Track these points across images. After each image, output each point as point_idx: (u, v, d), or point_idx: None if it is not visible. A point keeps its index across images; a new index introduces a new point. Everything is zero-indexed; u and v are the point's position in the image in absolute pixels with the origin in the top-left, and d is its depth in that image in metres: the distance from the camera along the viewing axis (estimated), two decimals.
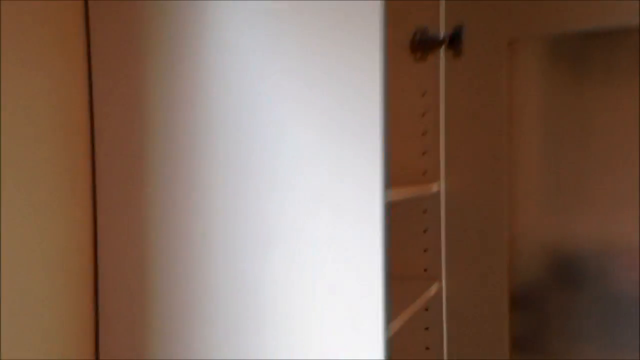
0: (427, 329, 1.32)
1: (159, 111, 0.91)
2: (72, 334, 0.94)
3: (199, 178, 0.89)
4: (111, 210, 0.94)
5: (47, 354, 0.88)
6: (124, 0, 0.92)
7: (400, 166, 1.34)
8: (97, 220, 0.95)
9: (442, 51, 1.30)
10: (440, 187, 1.31)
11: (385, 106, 0.85)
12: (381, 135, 0.81)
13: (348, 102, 0.83)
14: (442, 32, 1.30)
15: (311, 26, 0.84)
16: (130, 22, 0.92)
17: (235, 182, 0.88)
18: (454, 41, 1.28)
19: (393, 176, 1.34)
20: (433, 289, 1.28)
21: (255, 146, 0.87)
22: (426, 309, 1.32)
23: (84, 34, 0.95)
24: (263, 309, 0.87)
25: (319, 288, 0.84)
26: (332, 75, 0.83)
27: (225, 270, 0.89)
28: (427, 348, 1.32)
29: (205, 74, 0.89)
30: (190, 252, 0.90)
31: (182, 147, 0.90)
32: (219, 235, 0.89)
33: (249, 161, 0.87)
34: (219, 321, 0.89)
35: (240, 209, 0.87)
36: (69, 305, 0.93)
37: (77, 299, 0.94)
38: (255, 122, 0.87)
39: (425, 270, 1.32)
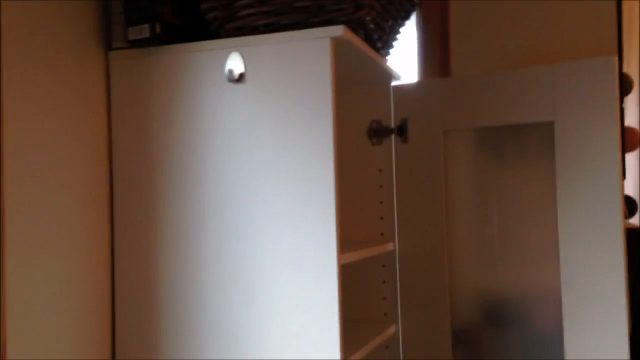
0: None
1: (167, 153, 1.22)
2: (91, 336, 1.19)
3: (200, 228, 1.19)
4: (126, 233, 1.23)
5: (69, 354, 1.13)
6: (139, 60, 1.24)
7: (363, 229, 1.64)
8: (114, 242, 1.24)
9: (393, 138, 1.63)
10: (395, 246, 1.62)
11: (336, 189, 1.16)
12: (334, 212, 1.12)
13: (309, 183, 1.14)
14: (392, 123, 1.63)
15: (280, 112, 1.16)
16: (143, 79, 1.24)
17: (225, 240, 1.18)
18: (401, 130, 1.61)
19: (357, 237, 1.64)
20: (391, 330, 1.57)
21: (241, 211, 1.17)
22: (387, 347, 1.60)
23: (105, 86, 1.25)
24: (246, 344, 1.15)
25: (288, 329, 1.13)
26: (295, 158, 1.15)
27: (217, 310, 1.17)
28: None
29: (201, 129, 1.20)
30: (191, 279, 1.19)
31: (188, 197, 1.20)
32: (212, 282, 1.18)
33: (236, 225, 1.17)
34: (212, 338, 1.17)
35: (229, 265, 1.17)
36: (89, 312, 1.20)
37: (96, 308, 1.22)
38: (240, 191, 1.17)
39: (385, 314, 1.61)
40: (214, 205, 1.19)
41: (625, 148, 1.77)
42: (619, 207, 1.33)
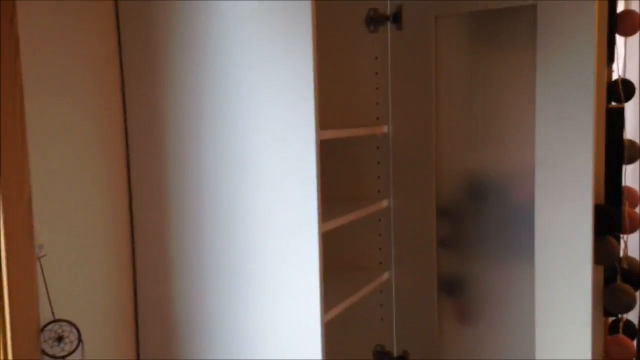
0: (380, 234, 1.77)
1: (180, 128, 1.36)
2: (117, 337, 1.39)
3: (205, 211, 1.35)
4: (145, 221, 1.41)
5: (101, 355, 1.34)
6: (151, 35, 1.36)
7: (360, 114, 1.76)
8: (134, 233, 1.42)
9: (388, 25, 1.70)
10: (389, 129, 1.74)
11: (315, 76, 1.27)
12: (312, 93, 1.25)
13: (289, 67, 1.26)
14: (388, 11, 1.70)
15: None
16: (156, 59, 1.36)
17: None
18: (396, 17, 1.68)
19: (354, 121, 1.77)
20: (384, 203, 1.73)
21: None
22: (379, 220, 1.77)
23: (119, 68, 1.39)
24: (249, 309, 1.34)
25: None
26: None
27: (220, 293, 1.35)
28: (380, 248, 1.77)
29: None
30: (202, 270, 1.37)
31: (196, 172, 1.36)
32: (217, 266, 1.35)
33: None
34: (217, 324, 1.36)
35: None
36: (114, 314, 1.39)
37: (120, 310, 1.40)
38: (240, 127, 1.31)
39: (378, 191, 1.77)
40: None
41: (623, 32, 1.80)
42: (592, 89, 1.41)
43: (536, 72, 1.48)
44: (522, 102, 1.55)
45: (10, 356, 1.14)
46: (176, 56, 1.36)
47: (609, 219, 1.50)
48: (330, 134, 1.43)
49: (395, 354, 1.77)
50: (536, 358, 1.53)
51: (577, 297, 1.47)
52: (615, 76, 1.80)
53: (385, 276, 1.73)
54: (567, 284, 1.48)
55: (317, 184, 1.28)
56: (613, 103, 1.75)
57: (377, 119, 1.75)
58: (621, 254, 1.68)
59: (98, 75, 1.34)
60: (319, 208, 1.29)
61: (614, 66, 1.76)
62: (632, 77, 2.35)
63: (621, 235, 1.66)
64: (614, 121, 1.58)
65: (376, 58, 1.73)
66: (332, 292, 1.55)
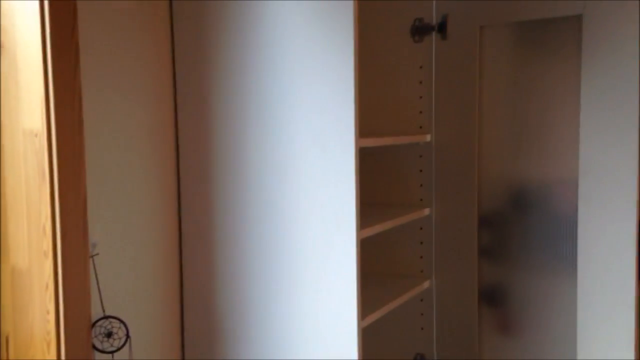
0: (421, 243, 1.78)
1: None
2: (164, 334, 1.45)
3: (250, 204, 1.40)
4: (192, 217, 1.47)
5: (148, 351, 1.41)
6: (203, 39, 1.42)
7: (403, 122, 1.78)
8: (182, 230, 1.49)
9: (433, 35, 1.72)
10: (432, 137, 1.75)
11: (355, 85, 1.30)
12: (353, 101, 1.28)
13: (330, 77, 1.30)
14: (434, 21, 1.71)
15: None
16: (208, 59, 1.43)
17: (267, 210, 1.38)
18: (442, 27, 1.70)
19: (397, 129, 1.79)
20: (426, 211, 1.74)
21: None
22: (420, 228, 1.78)
23: (171, 72, 1.46)
24: (289, 311, 1.38)
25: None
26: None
27: (263, 283, 1.40)
28: (421, 257, 1.78)
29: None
30: (245, 273, 1.42)
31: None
32: (258, 259, 1.40)
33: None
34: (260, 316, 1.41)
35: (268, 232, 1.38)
36: (162, 312, 1.45)
37: (167, 308, 1.46)
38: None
39: (421, 200, 1.78)
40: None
41: None
42: (637, 99, 1.39)
43: (581, 81, 1.47)
44: (566, 112, 1.53)
45: (63, 350, 1.21)
46: (226, 59, 1.42)
47: None
48: (371, 141, 1.46)
49: None
50: None
51: (620, 311, 1.44)
52: None
53: (426, 284, 1.74)
54: (610, 298, 1.45)
55: (356, 191, 1.31)
56: None
57: (421, 127, 1.76)
58: None
59: (152, 77, 1.41)
60: (357, 214, 1.32)
61: None
62: None
63: None
64: None
65: (421, 67, 1.75)
66: (371, 299, 1.58)
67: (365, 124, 1.81)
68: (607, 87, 1.43)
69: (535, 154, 1.60)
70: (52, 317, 1.18)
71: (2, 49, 1.20)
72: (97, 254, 1.26)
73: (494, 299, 1.69)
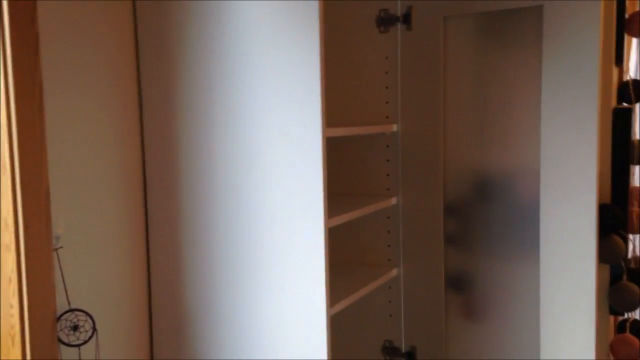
0: (389, 231, 1.80)
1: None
2: (131, 326, 1.44)
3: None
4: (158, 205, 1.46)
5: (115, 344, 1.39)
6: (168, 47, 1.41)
7: (370, 112, 1.80)
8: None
9: (398, 26, 1.73)
10: (398, 127, 1.77)
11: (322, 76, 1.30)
12: (319, 92, 1.29)
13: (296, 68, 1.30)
14: (398, 12, 1.73)
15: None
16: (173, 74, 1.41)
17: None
18: (407, 18, 1.71)
19: (364, 119, 1.81)
20: (393, 200, 1.76)
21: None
22: (388, 217, 1.80)
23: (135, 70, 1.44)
24: (258, 300, 1.38)
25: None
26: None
27: (229, 281, 1.40)
28: (389, 245, 1.80)
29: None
30: (212, 263, 1.42)
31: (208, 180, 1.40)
32: (224, 254, 1.39)
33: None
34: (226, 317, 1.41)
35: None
36: (129, 304, 1.43)
37: (134, 300, 1.45)
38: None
39: (388, 189, 1.80)
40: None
41: (635, 33, 1.80)
42: (595, 88, 1.42)
43: (542, 71, 1.50)
44: (528, 101, 1.57)
45: (28, 344, 1.20)
46: (190, 55, 1.41)
47: (614, 218, 1.51)
48: (337, 131, 1.47)
49: (403, 350, 1.80)
50: (541, 355, 1.55)
51: (581, 295, 1.48)
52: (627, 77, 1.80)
53: (394, 272, 1.76)
54: (572, 282, 1.49)
55: (324, 180, 1.32)
56: (624, 104, 1.75)
57: (387, 117, 1.78)
58: (630, 253, 1.69)
59: (115, 72, 1.39)
60: (325, 203, 1.33)
61: (631, 67, 1.76)
62: None
63: (630, 236, 1.67)
64: (621, 121, 1.59)
65: (386, 58, 1.76)
66: (339, 287, 1.59)
67: (332, 115, 1.82)
68: (567, 76, 1.46)
69: (498, 144, 1.63)
70: (16, 311, 1.17)
71: None
72: (61, 247, 1.25)
73: (460, 286, 1.72)
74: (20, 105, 1.15)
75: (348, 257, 1.86)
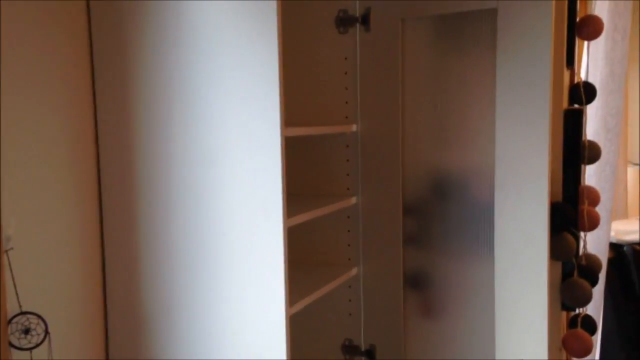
0: (349, 231, 1.82)
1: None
2: (85, 329, 1.41)
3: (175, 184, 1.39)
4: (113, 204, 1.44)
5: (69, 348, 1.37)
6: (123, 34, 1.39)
7: (329, 112, 1.80)
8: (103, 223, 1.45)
9: (357, 27, 1.74)
10: (358, 127, 1.78)
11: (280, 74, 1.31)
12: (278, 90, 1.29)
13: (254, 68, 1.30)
14: (357, 13, 1.74)
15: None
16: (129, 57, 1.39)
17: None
18: (365, 19, 1.73)
19: (324, 119, 1.81)
20: (352, 200, 1.77)
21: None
22: (348, 217, 1.81)
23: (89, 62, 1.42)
24: (216, 300, 1.37)
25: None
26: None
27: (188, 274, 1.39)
28: (349, 245, 1.82)
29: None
30: (170, 263, 1.41)
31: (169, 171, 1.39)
32: (183, 241, 1.38)
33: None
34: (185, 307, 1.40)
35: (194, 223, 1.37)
36: (82, 307, 1.40)
37: (88, 303, 1.42)
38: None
39: (347, 189, 1.81)
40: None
41: (586, 36, 1.85)
42: (547, 90, 1.46)
43: (496, 73, 1.53)
44: (483, 103, 1.60)
45: None
46: (146, 53, 1.39)
47: (565, 216, 1.55)
48: (297, 131, 1.47)
49: (362, 348, 1.81)
50: (496, 350, 1.58)
51: (534, 291, 1.52)
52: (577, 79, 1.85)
53: (353, 272, 1.78)
54: (525, 279, 1.53)
55: (282, 179, 1.32)
56: (576, 105, 1.81)
57: (346, 117, 1.79)
58: (581, 250, 1.74)
59: (69, 72, 1.37)
60: (283, 203, 1.33)
61: (582, 69, 1.82)
62: (594, 80, 2.42)
63: (581, 233, 1.72)
64: (572, 122, 1.64)
65: (346, 58, 1.77)
66: (299, 287, 1.59)
67: (292, 115, 1.82)
68: (520, 78, 1.50)
69: (454, 144, 1.66)
70: None
71: None
72: (12, 249, 1.21)
73: (418, 284, 1.75)
74: None
75: (308, 257, 1.87)
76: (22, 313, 1.22)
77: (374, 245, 1.77)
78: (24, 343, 1.22)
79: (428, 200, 1.71)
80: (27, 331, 1.23)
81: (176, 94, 1.38)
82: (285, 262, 1.34)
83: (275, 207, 1.33)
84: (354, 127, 1.76)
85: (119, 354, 1.48)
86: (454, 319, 1.69)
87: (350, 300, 1.83)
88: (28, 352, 1.23)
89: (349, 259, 1.82)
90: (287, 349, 1.35)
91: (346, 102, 1.79)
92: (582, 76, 1.84)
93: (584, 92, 1.78)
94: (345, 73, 1.78)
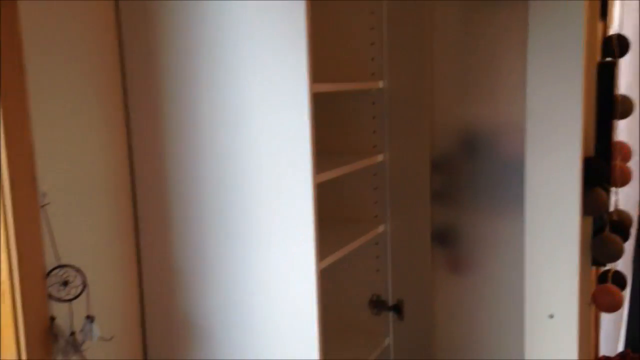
0: (375, 188, 1.82)
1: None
2: (121, 280, 1.44)
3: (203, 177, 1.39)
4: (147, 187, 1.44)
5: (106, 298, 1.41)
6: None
7: (355, 69, 1.79)
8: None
9: None
10: (384, 84, 1.76)
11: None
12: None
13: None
14: None
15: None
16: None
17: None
18: None
19: (350, 76, 1.80)
20: (379, 157, 1.77)
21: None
22: (374, 174, 1.81)
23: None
24: (247, 256, 1.38)
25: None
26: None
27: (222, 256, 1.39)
28: (376, 202, 1.82)
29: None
30: (201, 219, 1.41)
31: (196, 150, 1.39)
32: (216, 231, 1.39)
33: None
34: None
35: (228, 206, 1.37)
36: (118, 259, 1.43)
37: (123, 255, 1.45)
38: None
39: (374, 146, 1.80)
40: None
41: None
42: (580, 43, 1.43)
43: (528, 26, 1.50)
44: (514, 57, 1.57)
45: (19, 299, 1.20)
46: (172, 11, 1.39)
47: (597, 172, 1.53)
48: (324, 87, 1.46)
49: (390, 303, 1.83)
50: (525, 305, 1.59)
51: (565, 247, 1.51)
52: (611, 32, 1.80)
53: (380, 229, 1.78)
54: (556, 235, 1.52)
55: (311, 136, 1.32)
56: (609, 58, 1.76)
57: (373, 74, 1.77)
58: (612, 206, 1.72)
59: (97, 29, 1.37)
60: (312, 159, 1.33)
61: (615, 21, 1.77)
62: (629, 33, 2.35)
63: (612, 188, 1.70)
64: (605, 76, 1.60)
65: (372, 13, 1.74)
66: (328, 243, 1.60)
67: (318, 72, 1.81)
68: (553, 31, 1.47)
69: (485, 99, 1.64)
70: (4, 266, 1.17)
71: None
72: (48, 204, 1.24)
73: (446, 240, 1.75)
74: (1, 62, 1.13)
75: (335, 214, 1.88)
76: (60, 266, 1.26)
77: (401, 202, 1.77)
78: (62, 295, 1.26)
79: (456, 156, 1.70)
80: (65, 283, 1.26)
81: (203, 52, 1.38)
82: (315, 218, 1.34)
83: (304, 164, 1.33)
84: (380, 84, 1.75)
85: (153, 303, 1.52)
86: (482, 275, 1.70)
87: (377, 257, 1.84)
88: (67, 303, 1.26)
89: (376, 216, 1.82)
90: (318, 302, 1.37)
91: (372, 59, 1.76)
92: (616, 28, 1.79)
93: (618, 45, 1.73)
94: (372, 28, 1.75)
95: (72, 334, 1.28)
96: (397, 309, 1.81)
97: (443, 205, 1.74)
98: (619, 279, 1.70)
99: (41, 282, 1.23)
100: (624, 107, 1.73)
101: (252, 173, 1.38)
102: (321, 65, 1.81)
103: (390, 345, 1.84)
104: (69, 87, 1.31)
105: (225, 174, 1.40)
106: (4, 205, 1.16)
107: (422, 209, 1.74)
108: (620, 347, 2.53)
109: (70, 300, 1.26)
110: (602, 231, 1.62)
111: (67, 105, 1.30)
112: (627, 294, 2.63)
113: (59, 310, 1.26)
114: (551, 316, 1.55)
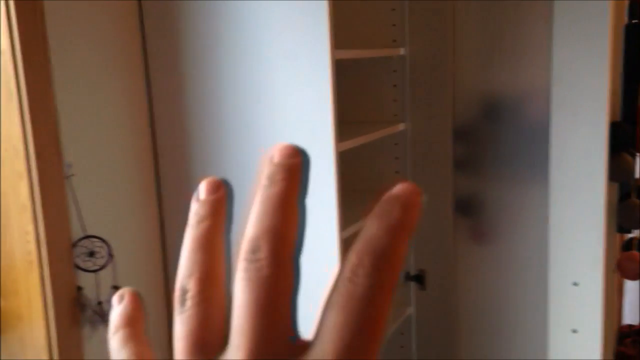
0: (397, 158, 1.80)
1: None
2: (145, 251, 1.46)
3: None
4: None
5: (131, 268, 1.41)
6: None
7: (377, 36, 1.76)
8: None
9: None
10: (406, 51, 1.74)
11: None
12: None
13: None
14: None
15: None
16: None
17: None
18: None
19: (370, 43, 1.77)
20: (400, 126, 1.75)
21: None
22: (395, 144, 1.80)
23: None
24: None
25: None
26: None
27: None
28: (397, 172, 1.81)
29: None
30: None
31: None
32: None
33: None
34: None
35: None
36: (143, 230, 1.45)
37: (147, 225, 1.47)
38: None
39: (395, 115, 1.78)
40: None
41: None
42: (607, 6, 1.39)
43: None
44: (538, 21, 1.53)
45: (46, 268, 1.21)
46: None
47: (623, 137, 1.51)
48: (346, 54, 1.44)
49: (412, 273, 1.83)
50: (549, 273, 1.58)
51: (590, 213, 1.49)
52: None
53: None
54: (581, 201, 1.50)
55: (334, 103, 1.31)
56: (636, 20, 1.72)
57: (394, 41, 1.74)
58: (638, 172, 1.69)
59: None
60: (335, 126, 1.32)
61: None
62: None
63: (639, 154, 1.67)
64: (632, 38, 1.56)
65: None
66: (350, 213, 1.60)
67: (339, 39, 1.78)
68: None
69: (508, 65, 1.61)
70: (32, 237, 1.18)
71: None
72: (73, 175, 1.24)
73: (469, 210, 1.74)
74: (23, 32, 1.13)
75: (356, 185, 1.87)
76: (86, 237, 1.27)
77: (422, 171, 1.76)
78: (89, 265, 1.27)
79: (479, 123, 1.68)
80: (91, 254, 1.27)
81: (224, 20, 1.36)
82: (337, 187, 1.34)
83: (326, 132, 1.32)
84: (401, 51, 1.72)
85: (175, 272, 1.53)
86: (505, 244, 1.68)
87: None
88: (93, 273, 1.28)
89: None
90: None
91: (393, 25, 1.73)
92: None
93: None
94: None
95: (99, 303, 1.29)
96: (419, 278, 1.81)
97: (465, 174, 1.72)
98: None
99: (68, 253, 1.24)
100: None
101: (275, 141, 1.37)
102: (342, 32, 1.78)
103: (412, 315, 1.84)
104: (92, 60, 1.30)
105: (248, 144, 1.40)
106: (31, 176, 1.17)
107: (444, 179, 1.73)
108: None
109: (96, 270, 1.28)
110: (628, 197, 1.60)
111: (90, 78, 1.30)
112: None
113: (86, 281, 1.28)
114: (575, 284, 1.54)
